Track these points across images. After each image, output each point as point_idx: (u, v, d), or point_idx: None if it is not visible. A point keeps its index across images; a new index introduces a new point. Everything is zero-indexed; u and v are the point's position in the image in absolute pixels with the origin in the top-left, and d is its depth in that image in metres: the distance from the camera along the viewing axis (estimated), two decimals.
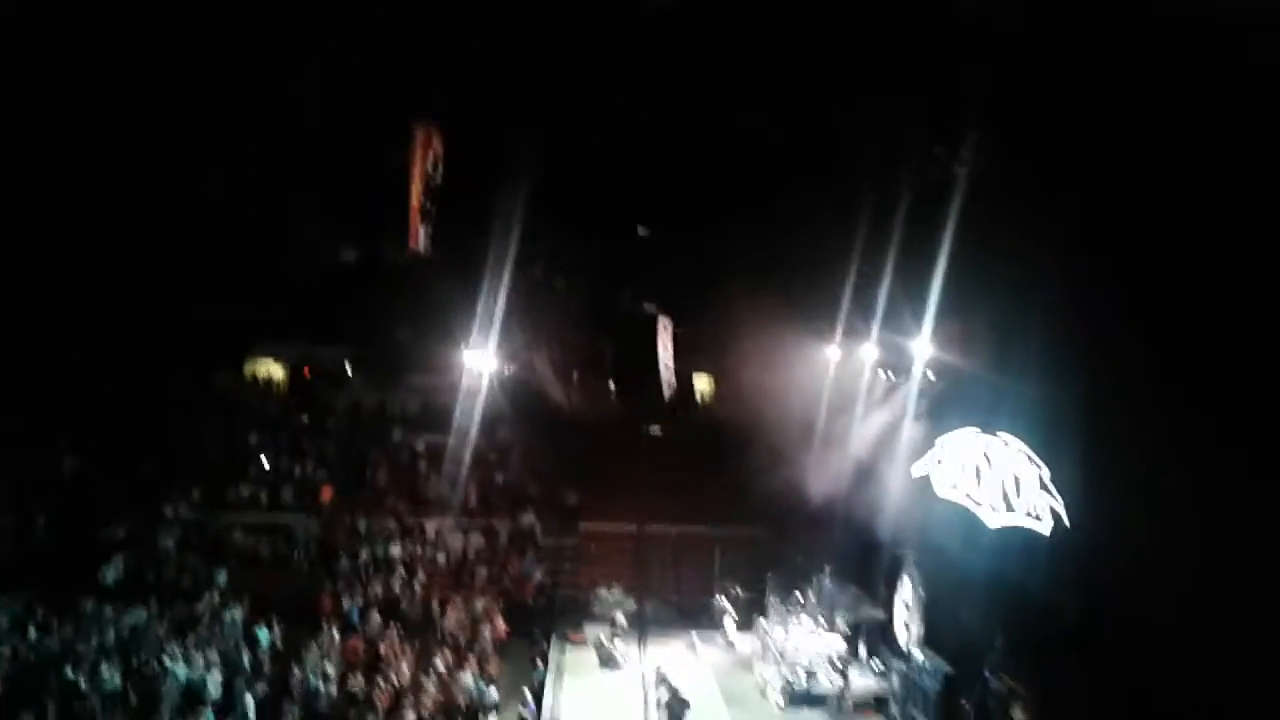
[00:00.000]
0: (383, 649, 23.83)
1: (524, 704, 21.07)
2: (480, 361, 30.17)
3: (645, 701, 17.76)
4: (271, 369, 37.16)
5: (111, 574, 27.25)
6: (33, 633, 23.12)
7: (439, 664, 22.87)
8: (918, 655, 20.10)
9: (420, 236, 38.61)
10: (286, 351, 37.12)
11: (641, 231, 28.21)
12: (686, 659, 23.62)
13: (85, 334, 31.09)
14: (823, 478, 24.11)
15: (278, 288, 34.14)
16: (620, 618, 24.82)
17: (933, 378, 21.72)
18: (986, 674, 19.60)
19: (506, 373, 31.72)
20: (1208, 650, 14.02)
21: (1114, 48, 15.13)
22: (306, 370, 37.01)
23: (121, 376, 32.58)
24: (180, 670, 21.96)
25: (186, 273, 31.84)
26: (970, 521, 19.83)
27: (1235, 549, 13.74)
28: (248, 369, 37.01)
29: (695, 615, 26.94)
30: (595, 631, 24.58)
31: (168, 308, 31.53)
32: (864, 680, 21.24)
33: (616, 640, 23.52)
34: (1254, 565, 13.45)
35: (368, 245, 37.20)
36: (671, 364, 26.15)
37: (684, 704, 19.22)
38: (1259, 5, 12.81)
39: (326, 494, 31.66)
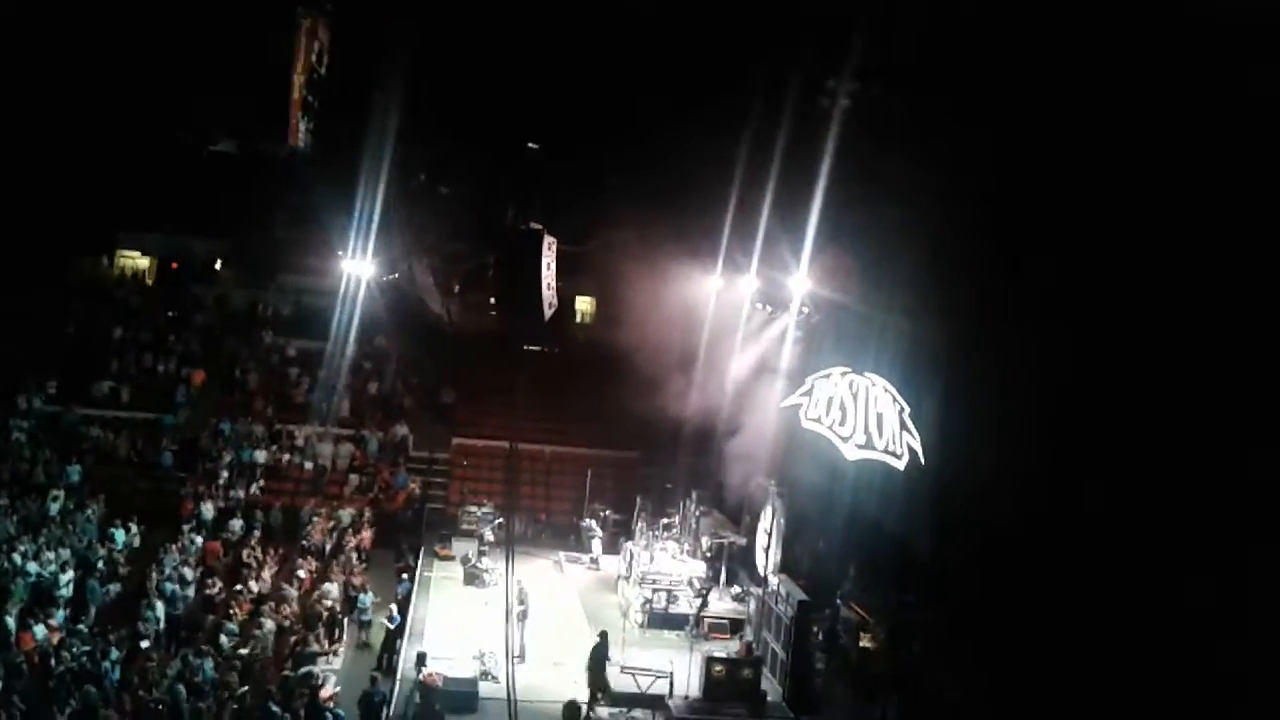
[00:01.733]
0: (244, 555, 23.54)
1: (388, 616, 21.16)
2: (358, 266, 29.52)
3: (507, 617, 18.03)
4: (138, 261, 35.65)
5: None
6: None
7: (301, 573, 22.75)
8: (775, 582, 20.82)
9: (300, 131, 37.45)
10: (153, 243, 35.63)
11: (530, 146, 27.82)
12: (553, 578, 23.99)
13: None
14: (696, 406, 24.50)
15: (147, 174, 32.66)
16: (488, 534, 24.99)
17: (809, 312, 22.15)
18: (839, 603, 20.49)
19: (385, 280, 31.12)
20: (1047, 587, 14.85)
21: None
22: (174, 264, 35.60)
23: None
24: (31, 567, 21.36)
25: (51, 150, 30.27)
26: (833, 455, 20.50)
27: (1078, 493, 14.54)
28: (112, 260, 35.44)
29: (563, 535, 27.30)
30: (463, 547, 24.72)
31: (30, 188, 29.90)
32: (722, 604, 21.94)
33: (484, 557, 23.71)
34: (1095, 511, 14.27)
35: (244, 136, 35.88)
36: (554, 284, 26.05)
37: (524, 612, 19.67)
38: None
39: (199, 378, 30.87)
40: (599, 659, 17.28)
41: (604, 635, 17.95)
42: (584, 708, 16.67)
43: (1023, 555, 15.25)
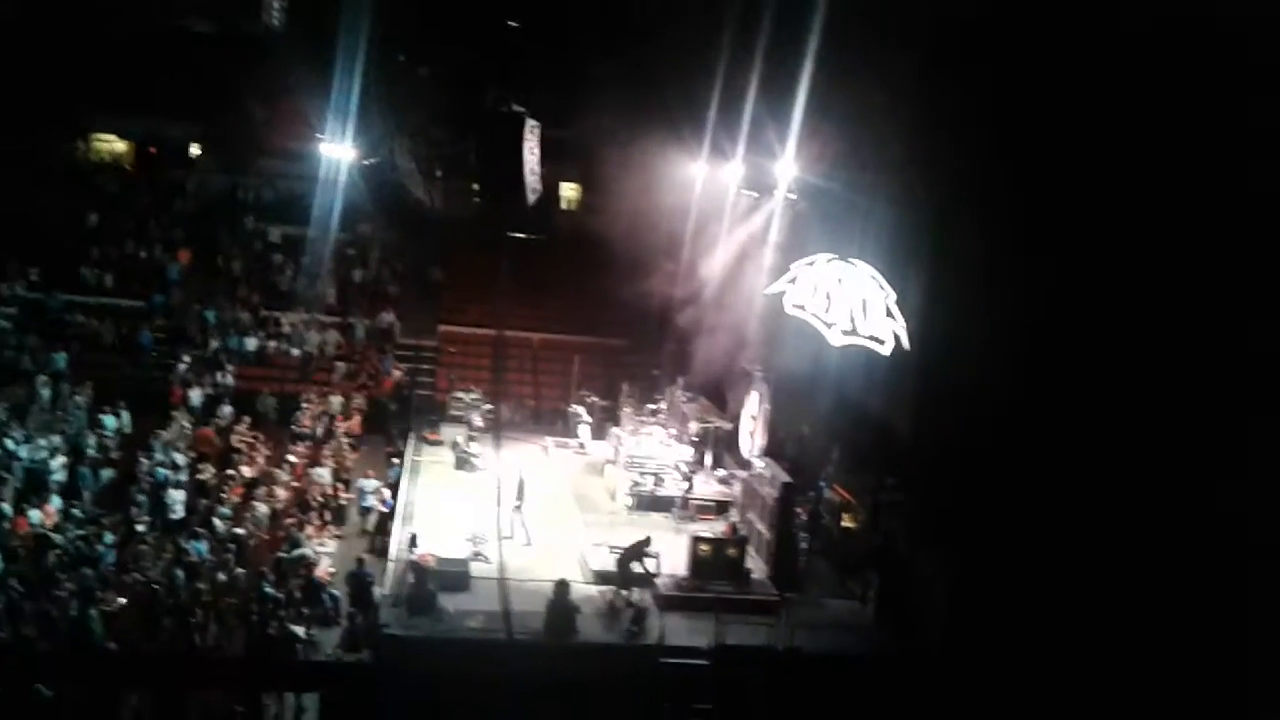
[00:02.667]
0: (234, 440, 23.78)
1: (380, 500, 21.54)
2: (338, 150, 29.10)
3: (498, 502, 18.35)
4: (115, 145, 35.01)
5: None
6: None
7: (293, 458, 23.03)
8: (759, 465, 21.19)
9: (275, 8, 36.45)
10: (131, 127, 34.91)
11: (512, 25, 27.18)
12: (541, 462, 24.35)
13: None
14: (683, 292, 24.57)
15: (122, 55, 31.82)
16: (477, 420, 25.24)
17: (794, 199, 22.06)
18: (822, 484, 20.91)
19: (367, 163, 30.69)
20: (1024, 468, 15.23)
21: None
22: (152, 149, 34.97)
23: None
24: (23, 452, 21.57)
25: (22, 32, 29.46)
26: (817, 341, 20.67)
27: (1059, 377, 14.81)
28: (90, 144, 34.79)
29: (551, 421, 27.58)
30: (452, 433, 24.99)
31: (4, 70, 29.15)
32: (708, 487, 22.35)
33: (472, 442, 23.99)
34: (1075, 395, 14.56)
35: (219, 14, 34.89)
36: (538, 169, 25.76)
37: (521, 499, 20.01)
38: None
39: (184, 257, 30.73)
40: (629, 557, 17.44)
41: (646, 541, 17.84)
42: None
43: (1000, 438, 15.60)
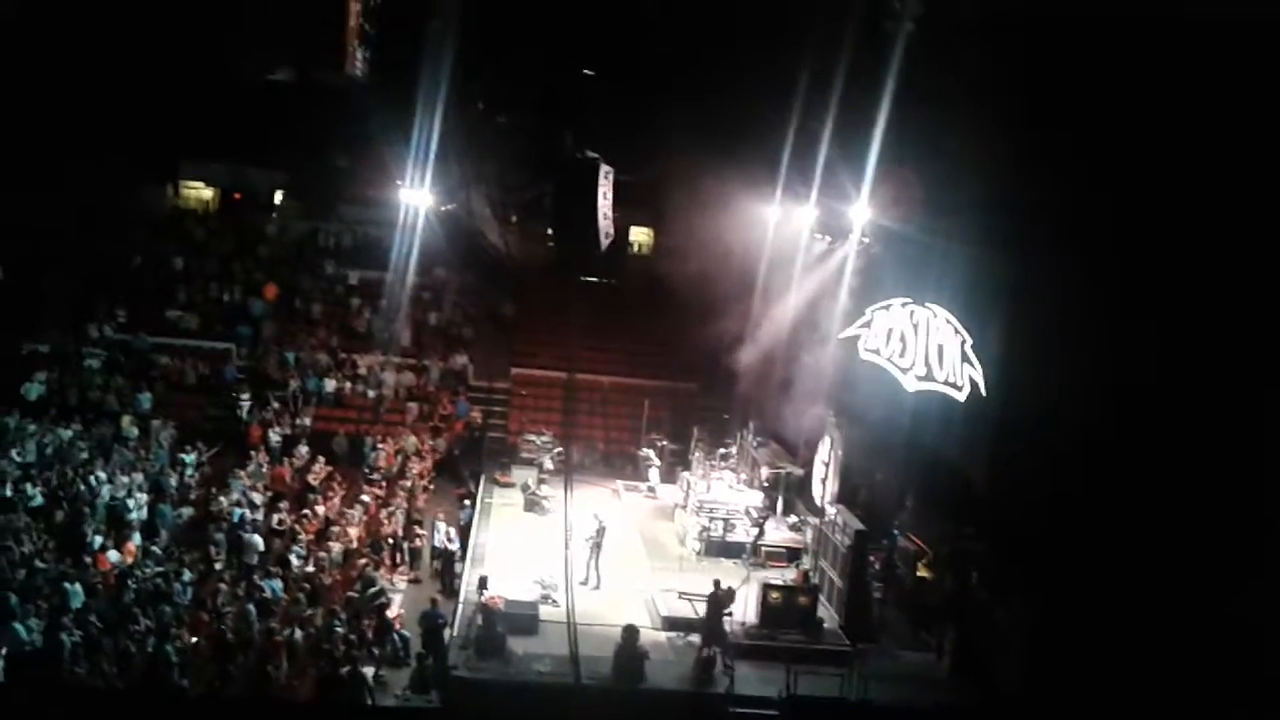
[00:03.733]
0: (310, 480, 24.10)
1: (449, 540, 21.61)
2: (416, 197, 29.62)
3: (567, 545, 18.30)
4: (201, 192, 36.13)
5: (34, 391, 26.95)
6: None
7: (366, 498, 23.24)
8: (832, 512, 20.86)
9: (357, 60, 37.45)
10: (216, 174, 36.03)
11: (587, 73, 27.54)
12: (610, 506, 24.27)
13: (9, 142, 29.90)
14: (754, 336, 24.41)
15: (208, 105, 32.93)
16: (547, 462, 25.29)
17: (869, 242, 21.86)
18: (896, 532, 20.51)
19: (443, 210, 31.22)
20: (1105, 518, 14.77)
21: None
22: (236, 195, 36.04)
23: (47, 189, 31.53)
24: (106, 490, 22.06)
25: (114, 83, 30.61)
26: (892, 386, 20.32)
27: (1141, 425, 14.36)
28: (178, 190, 35.95)
29: (621, 464, 27.53)
30: (523, 475, 25.06)
31: (96, 120, 30.34)
32: (779, 533, 22.05)
33: (543, 485, 24.03)
34: (1161, 437, 14.11)
35: (302, 65, 35.97)
36: (611, 213, 25.93)
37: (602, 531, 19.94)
38: None
39: (270, 292, 31.51)
40: (716, 609, 17.18)
41: (724, 590, 17.37)
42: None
43: (1082, 487, 15.17)
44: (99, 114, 30.09)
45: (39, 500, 21.13)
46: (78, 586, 17.58)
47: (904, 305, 20.33)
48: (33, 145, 30.08)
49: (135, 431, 25.63)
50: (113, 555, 19.50)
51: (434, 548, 21.67)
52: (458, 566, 20.41)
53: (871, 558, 19.42)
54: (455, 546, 21.16)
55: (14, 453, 22.92)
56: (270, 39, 34.84)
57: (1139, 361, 14.36)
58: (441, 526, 21.88)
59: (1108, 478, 14.84)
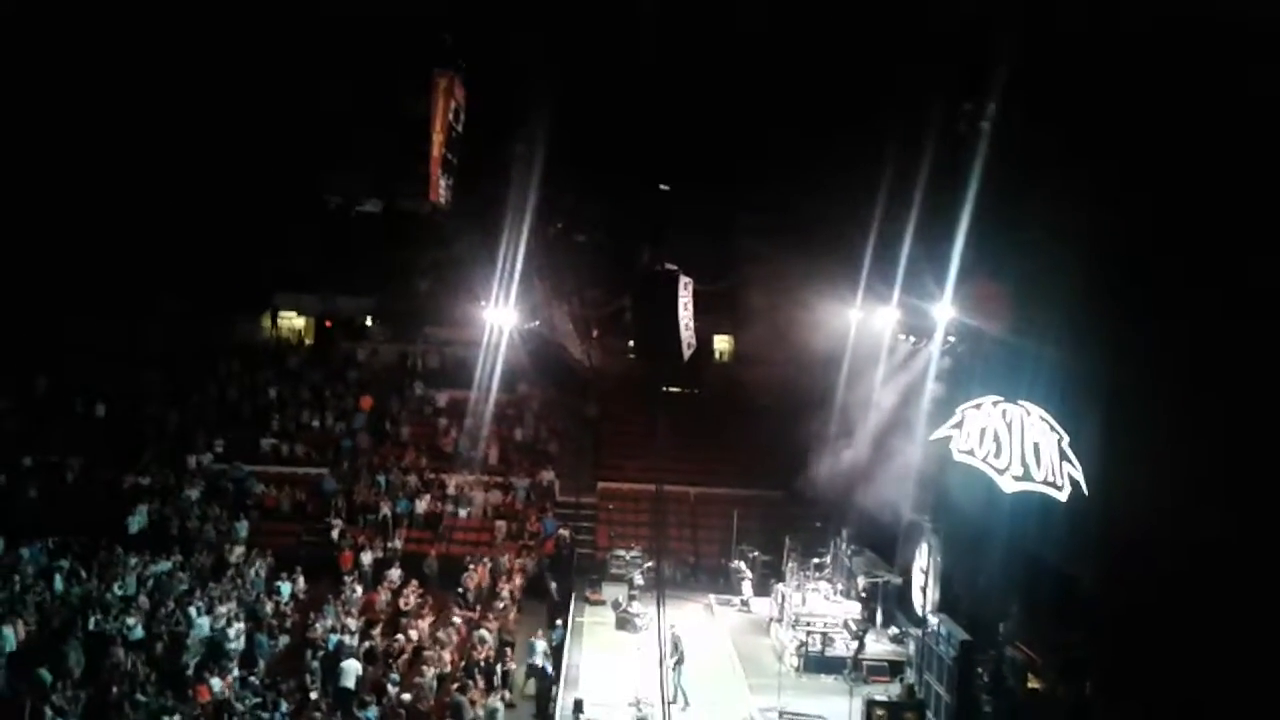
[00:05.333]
0: (403, 604, 24.10)
1: (544, 662, 21.31)
2: (500, 315, 30.21)
3: (661, 662, 17.94)
4: (294, 321, 37.35)
5: (136, 523, 27.61)
6: (59, 581, 23.46)
7: (457, 620, 23.12)
8: (934, 622, 20.14)
9: (441, 187, 38.65)
10: (307, 303, 37.31)
11: (663, 188, 28.01)
12: (704, 621, 23.81)
13: (112, 282, 31.43)
14: (842, 441, 24.08)
15: (299, 237, 34.34)
16: (638, 578, 24.99)
17: (954, 342, 21.56)
18: (1002, 642, 19.69)
19: (526, 327, 31.76)
20: (1224, 621, 14.02)
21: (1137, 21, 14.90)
22: (328, 322, 37.19)
23: (145, 323, 32.97)
24: (204, 621, 22.30)
25: (209, 217, 32.07)
26: (988, 488, 19.76)
27: (1255, 520, 13.70)
28: (269, 320, 37.23)
29: (713, 577, 27.09)
30: (613, 591, 24.78)
31: (192, 254, 31.79)
32: (880, 646, 21.36)
33: (634, 602, 23.71)
34: (1273, 530, 13.43)
35: (388, 195, 37.27)
36: (692, 323, 26.01)
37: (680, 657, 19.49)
38: None
39: (367, 404, 32.28)
40: None
41: None
42: None
43: (1197, 588, 14.46)
44: (195, 248, 31.50)
45: (139, 633, 21.42)
46: (178, 719, 17.64)
47: (995, 404, 19.89)
48: (132, 280, 31.59)
49: (233, 560, 26.00)
50: (214, 685, 19.60)
51: (529, 666, 21.33)
52: (553, 689, 20.08)
53: (979, 669, 18.62)
54: (549, 667, 20.86)
55: (115, 586, 23.41)
56: (358, 172, 36.24)
57: (1248, 454, 13.79)
58: (539, 645, 21.57)
59: (1223, 577, 14.12)
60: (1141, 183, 15.69)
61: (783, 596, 23.22)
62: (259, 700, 19.16)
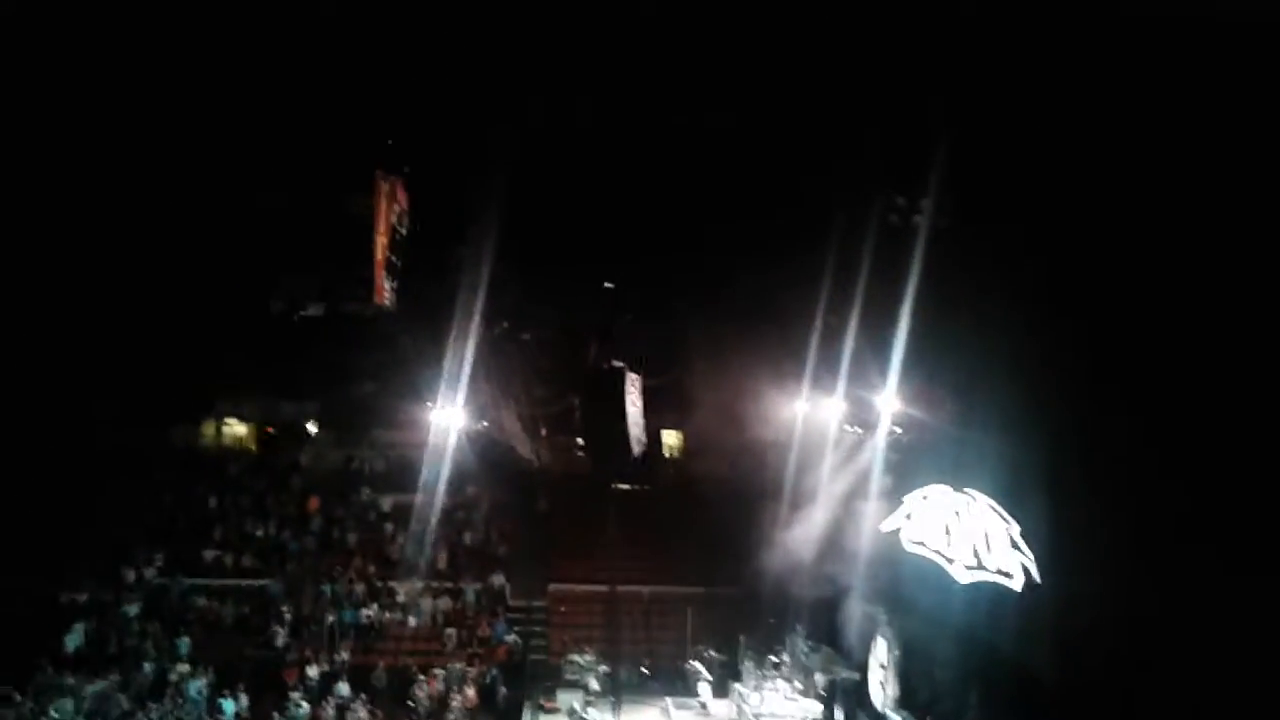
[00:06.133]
0: None
1: None
2: (446, 417, 29.94)
3: None
4: (234, 426, 36.70)
5: (73, 642, 26.59)
6: None
7: None
8: (894, 717, 19.96)
9: (385, 290, 38.63)
10: (249, 408, 36.71)
11: (608, 285, 28.27)
12: None
13: (40, 393, 30.65)
14: (793, 534, 24.00)
15: (241, 344, 33.90)
16: (593, 683, 24.48)
17: (900, 432, 21.74)
18: None
19: (474, 428, 31.50)
20: (1183, 703, 14.02)
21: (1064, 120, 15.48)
22: (269, 428, 36.59)
23: (80, 436, 32.12)
24: None
25: (145, 323, 31.54)
26: (941, 578, 19.76)
27: (1204, 597, 13.80)
28: (210, 426, 36.54)
29: (669, 679, 26.56)
30: (568, 698, 24.20)
31: (127, 361, 31.17)
32: None
33: (590, 708, 23.19)
34: (1227, 614, 13.52)
35: (332, 299, 37.12)
36: (641, 420, 26.07)
37: None
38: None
39: (314, 504, 31.63)
40: None
41: None
42: None
43: (1154, 671, 14.49)
44: (129, 354, 30.91)
45: None
46: None
47: (943, 494, 20.02)
48: (64, 389, 30.85)
49: (173, 678, 25.08)
50: None
51: None
52: None
53: None
54: None
55: (51, 710, 22.46)
56: (302, 275, 36.10)
57: (1198, 537, 13.96)
58: None
59: (1180, 662, 14.17)
60: (1072, 278, 16.13)
61: (741, 697, 22.87)
62: None
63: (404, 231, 37.85)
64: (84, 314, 30.89)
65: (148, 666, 25.65)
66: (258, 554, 30.70)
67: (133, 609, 28.00)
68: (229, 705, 24.10)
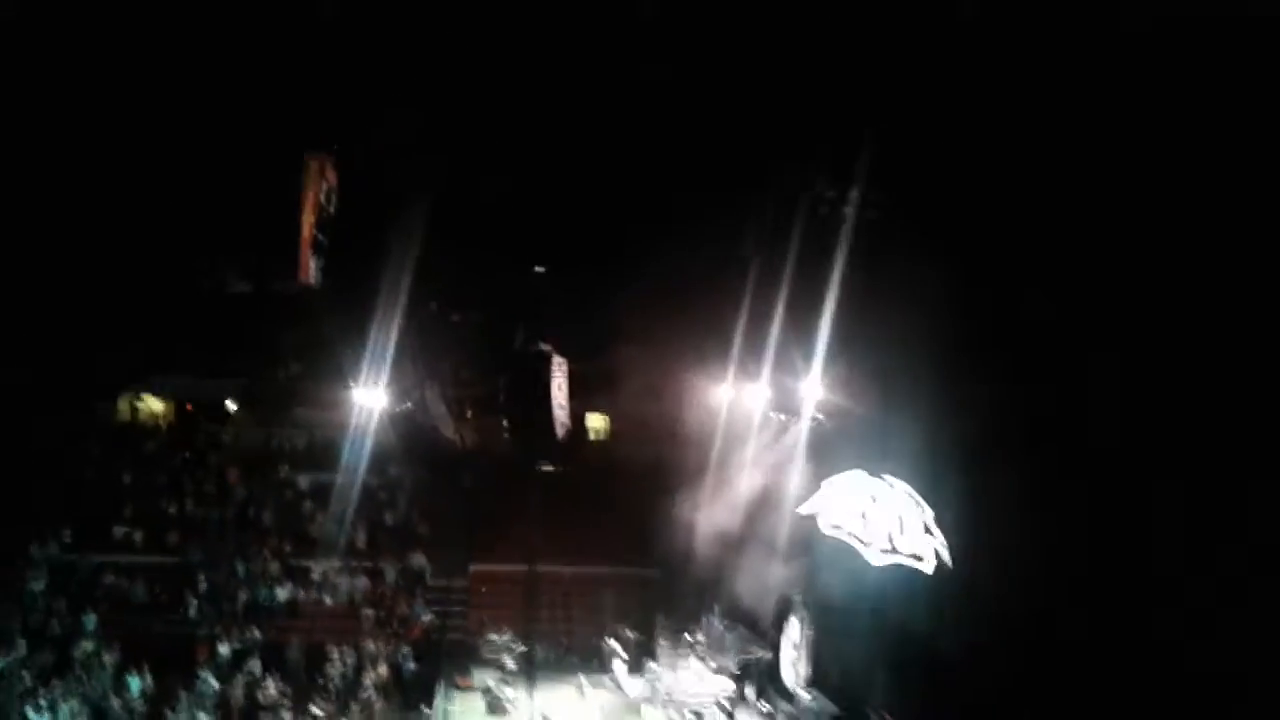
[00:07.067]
0: (261, 698, 23.04)
1: None
2: (370, 397, 29.64)
3: None
4: (151, 403, 35.93)
5: None
6: None
7: (319, 712, 22.21)
8: (804, 696, 20.26)
9: (310, 268, 38.12)
10: (167, 385, 35.95)
11: (537, 269, 28.21)
12: (576, 703, 23.37)
13: None
14: (714, 518, 24.21)
15: (159, 318, 33.17)
16: (509, 662, 24.46)
17: (822, 419, 22.02)
18: (870, 714, 19.84)
19: (398, 409, 31.22)
20: (1084, 686, 14.41)
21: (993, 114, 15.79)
22: (189, 405, 35.88)
23: None
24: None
25: (61, 297, 30.76)
26: (856, 561, 20.11)
27: (1109, 582, 14.20)
28: (126, 403, 35.73)
29: (585, 658, 26.65)
30: (484, 676, 24.17)
31: (43, 336, 30.33)
32: None
33: (505, 686, 23.17)
34: (1129, 594, 13.92)
35: (257, 276, 36.51)
36: (566, 402, 26.08)
37: None
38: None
39: (233, 478, 31.23)
40: None
41: None
42: None
43: (1057, 654, 14.88)
44: (47, 329, 30.10)
45: None
46: None
47: (860, 478, 20.33)
48: None
49: (79, 656, 24.49)
50: None
51: None
52: None
53: None
54: None
55: None
56: (225, 253, 35.44)
57: (1102, 531, 14.34)
58: None
59: (1081, 644, 14.59)
60: (993, 271, 16.48)
61: (656, 675, 23.02)
62: None
63: (332, 210, 37.43)
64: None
65: (53, 644, 25.03)
66: (170, 531, 30.08)
67: (38, 585, 27.30)
68: (135, 682, 23.59)
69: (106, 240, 31.25)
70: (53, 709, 21.43)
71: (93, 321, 31.51)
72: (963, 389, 17.29)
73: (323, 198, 37.22)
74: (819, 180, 20.05)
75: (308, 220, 37.10)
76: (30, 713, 21.11)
